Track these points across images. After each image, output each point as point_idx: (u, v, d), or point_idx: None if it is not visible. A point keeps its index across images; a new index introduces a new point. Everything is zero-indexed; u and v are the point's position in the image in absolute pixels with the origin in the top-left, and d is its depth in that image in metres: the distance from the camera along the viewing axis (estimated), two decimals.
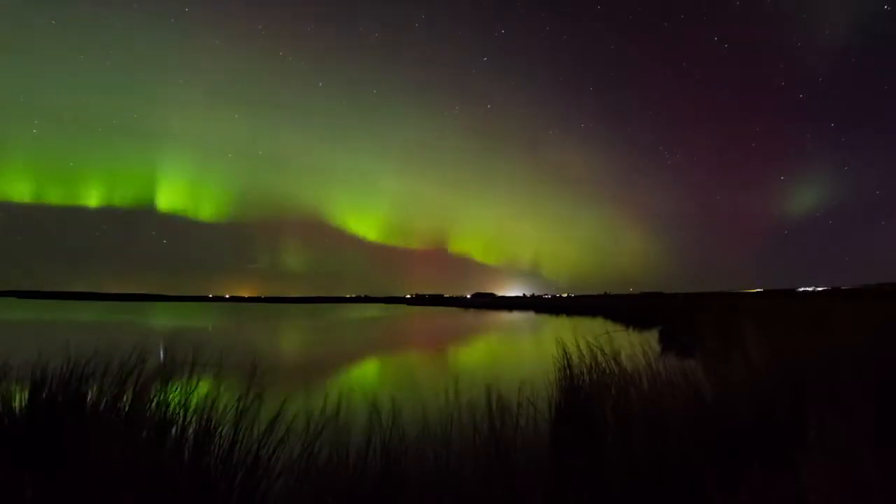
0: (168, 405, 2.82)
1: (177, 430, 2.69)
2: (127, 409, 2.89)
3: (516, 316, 33.63)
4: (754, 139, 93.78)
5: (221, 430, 2.63)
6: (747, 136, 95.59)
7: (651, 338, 11.14)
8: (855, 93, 77.20)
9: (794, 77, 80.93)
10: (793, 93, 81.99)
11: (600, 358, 3.96)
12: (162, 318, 23.16)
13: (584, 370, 4.05)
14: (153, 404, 2.86)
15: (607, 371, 3.73)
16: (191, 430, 2.68)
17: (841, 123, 79.55)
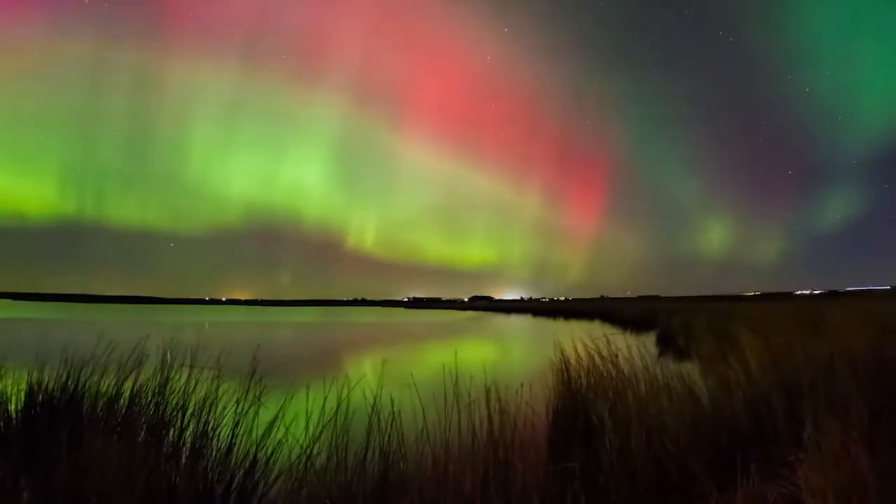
0: (166, 407, 2.82)
1: (175, 432, 2.69)
2: (124, 410, 2.88)
3: (514, 319, 33.65)
4: (761, 134, 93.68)
5: (219, 433, 2.63)
6: (753, 130, 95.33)
7: (648, 341, 11.16)
8: (861, 87, 77.31)
9: (799, 71, 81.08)
10: (799, 87, 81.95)
11: (598, 361, 3.97)
12: (160, 320, 23.09)
13: (582, 373, 4.05)
14: (151, 406, 2.86)
15: (605, 374, 3.74)
16: (188, 433, 2.67)
17: (847, 117, 79.49)
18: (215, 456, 2.50)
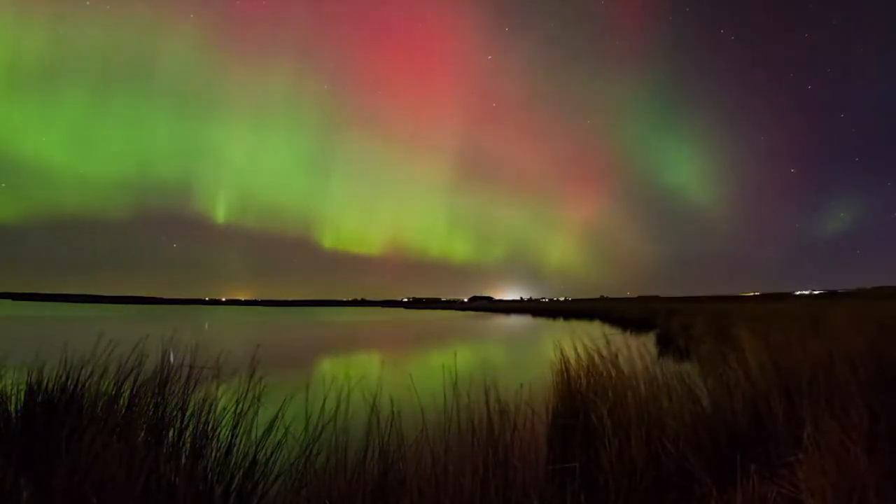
0: (165, 407, 2.82)
1: (174, 432, 2.69)
2: (124, 411, 2.88)
3: (514, 319, 33.64)
4: (762, 132, 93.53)
5: (219, 433, 2.62)
6: (755, 129, 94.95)
7: (648, 341, 11.15)
8: (864, 83, 77.07)
9: (802, 69, 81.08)
10: (801, 85, 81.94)
11: (597, 361, 3.97)
12: (160, 320, 23.09)
13: (582, 374, 4.05)
14: (151, 406, 2.85)
15: (604, 374, 3.74)
16: (188, 433, 2.67)
17: (849, 115, 79.35)
18: (215, 456, 2.50)
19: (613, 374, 3.62)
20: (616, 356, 3.84)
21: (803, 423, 2.29)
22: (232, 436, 2.56)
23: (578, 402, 3.65)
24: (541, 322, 28.07)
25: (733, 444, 2.66)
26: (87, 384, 3.06)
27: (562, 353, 4.28)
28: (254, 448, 2.48)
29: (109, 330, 3.68)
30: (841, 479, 1.71)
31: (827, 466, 1.78)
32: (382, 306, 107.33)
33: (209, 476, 2.41)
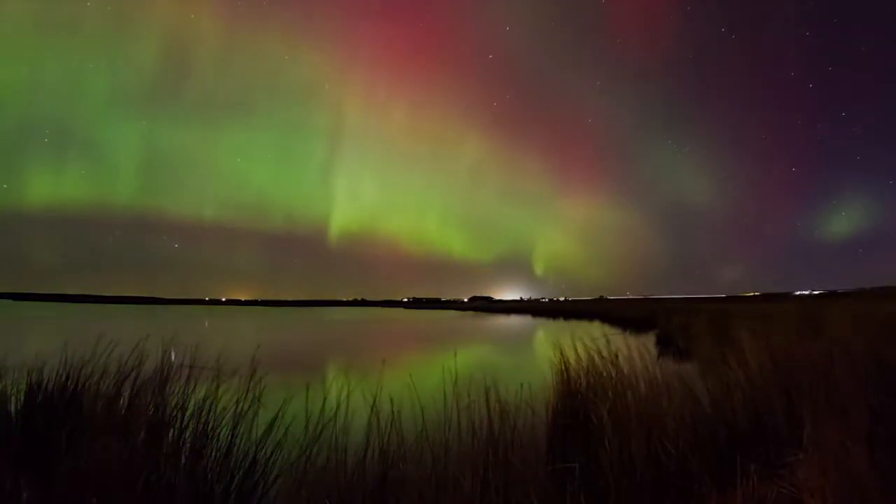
0: (165, 407, 2.82)
1: (174, 432, 2.68)
2: (124, 411, 2.88)
3: (514, 320, 33.62)
4: (764, 131, 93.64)
5: (219, 433, 2.62)
6: (756, 128, 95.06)
7: (648, 341, 11.15)
8: (865, 82, 77.00)
9: (803, 67, 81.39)
10: (802, 83, 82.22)
11: (597, 361, 3.96)
12: (160, 320, 23.07)
13: (582, 374, 4.04)
14: (150, 406, 2.85)
15: (604, 374, 3.73)
16: (188, 433, 2.67)
17: (851, 113, 79.46)
18: (215, 456, 2.50)
19: (613, 374, 3.61)
20: (616, 356, 3.83)
21: (803, 423, 2.29)
22: (232, 436, 2.56)
23: (578, 402, 3.65)
24: (541, 322, 28.05)
25: (733, 444, 2.66)
26: (87, 384, 3.06)
27: (561, 354, 4.27)
28: (254, 448, 2.48)
29: (109, 330, 3.68)
30: (841, 479, 1.71)
31: (827, 466, 1.78)
32: (382, 306, 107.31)
33: (209, 476, 2.41)
